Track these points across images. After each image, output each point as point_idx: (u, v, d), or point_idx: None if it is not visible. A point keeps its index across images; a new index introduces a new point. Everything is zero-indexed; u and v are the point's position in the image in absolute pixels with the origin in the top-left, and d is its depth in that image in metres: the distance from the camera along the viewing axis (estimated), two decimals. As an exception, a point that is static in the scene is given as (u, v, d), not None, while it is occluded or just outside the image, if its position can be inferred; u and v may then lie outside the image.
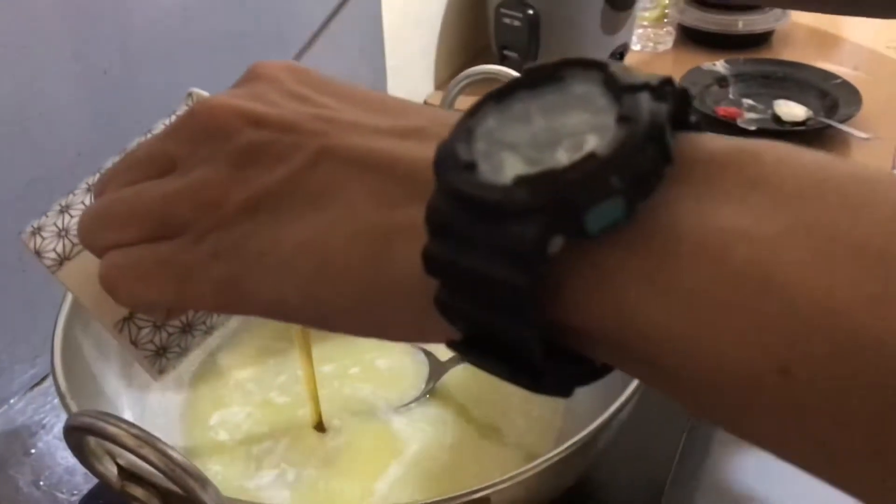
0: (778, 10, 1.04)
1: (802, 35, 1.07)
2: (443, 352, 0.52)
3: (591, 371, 0.21)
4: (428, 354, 0.52)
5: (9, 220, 0.54)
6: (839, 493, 0.53)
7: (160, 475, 0.31)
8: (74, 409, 0.37)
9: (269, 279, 0.24)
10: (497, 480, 0.35)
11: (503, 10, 0.89)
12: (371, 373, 0.51)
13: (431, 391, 0.50)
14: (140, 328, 0.32)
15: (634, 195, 0.18)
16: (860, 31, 1.07)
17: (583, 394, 0.48)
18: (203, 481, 0.31)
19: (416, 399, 0.49)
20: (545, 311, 0.19)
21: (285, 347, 0.53)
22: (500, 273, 0.19)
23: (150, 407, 0.48)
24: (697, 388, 0.19)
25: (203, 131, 0.26)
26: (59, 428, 0.55)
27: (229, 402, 0.50)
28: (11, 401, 0.57)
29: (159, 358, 0.32)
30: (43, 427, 0.55)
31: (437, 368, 0.51)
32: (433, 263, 0.20)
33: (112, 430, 0.31)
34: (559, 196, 0.18)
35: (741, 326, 0.17)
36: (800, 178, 0.18)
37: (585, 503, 0.46)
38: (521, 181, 0.19)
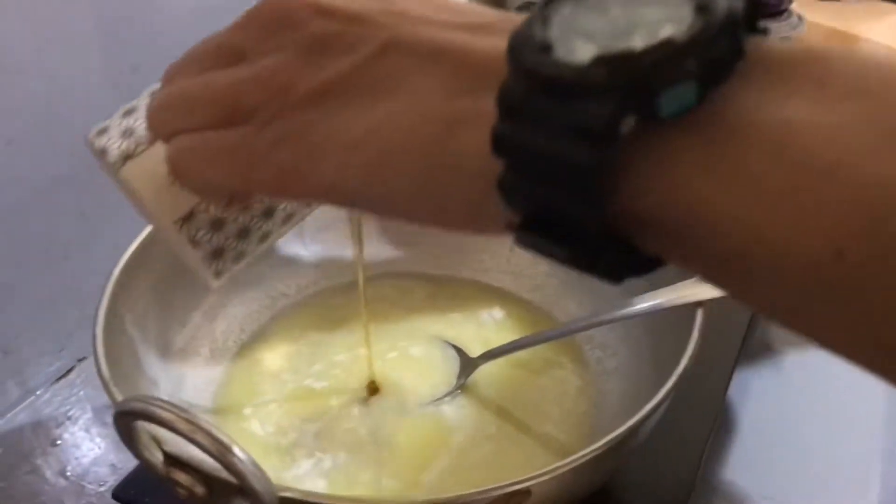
0: (794, 18, 1.04)
1: (820, 41, 1.08)
2: (473, 349, 0.52)
3: (642, 262, 0.22)
4: (458, 350, 0.52)
5: (35, 216, 0.54)
6: (863, 495, 0.52)
7: (207, 461, 0.32)
8: (118, 395, 0.37)
9: (332, 163, 0.25)
10: (538, 473, 0.35)
11: (522, 14, 0.90)
12: (407, 360, 0.52)
13: (462, 387, 0.50)
14: (198, 229, 0.32)
15: (707, 80, 0.19)
16: (878, 33, 1.08)
17: (613, 393, 0.49)
18: (256, 468, 0.31)
19: (449, 393, 0.49)
20: (608, 194, 0.20)
21: (320, 338, 0.54)
22: (570, 151, 0.19)
23: (185, 395, 0.48)
24: (754, 275, 0.19)
25: (272, 22, 0.27)
26: (84, 419, 0.55)
27: (263, 392, 0.50)
28: (38, 392, 0.57)
29: (216, 260, 0.32)
30: (69, 418, 0.55)
31: (467, 365, 0.51)
32: (502, 143, 0.21)
33: (165, 415, 0.31)
34: (635, 76, 0.19)
35: (800, 211, 0.18)
36: (866, 75, 0.19)
37: (616, 502, 0.46)
38: (598, 61, 0.19)
